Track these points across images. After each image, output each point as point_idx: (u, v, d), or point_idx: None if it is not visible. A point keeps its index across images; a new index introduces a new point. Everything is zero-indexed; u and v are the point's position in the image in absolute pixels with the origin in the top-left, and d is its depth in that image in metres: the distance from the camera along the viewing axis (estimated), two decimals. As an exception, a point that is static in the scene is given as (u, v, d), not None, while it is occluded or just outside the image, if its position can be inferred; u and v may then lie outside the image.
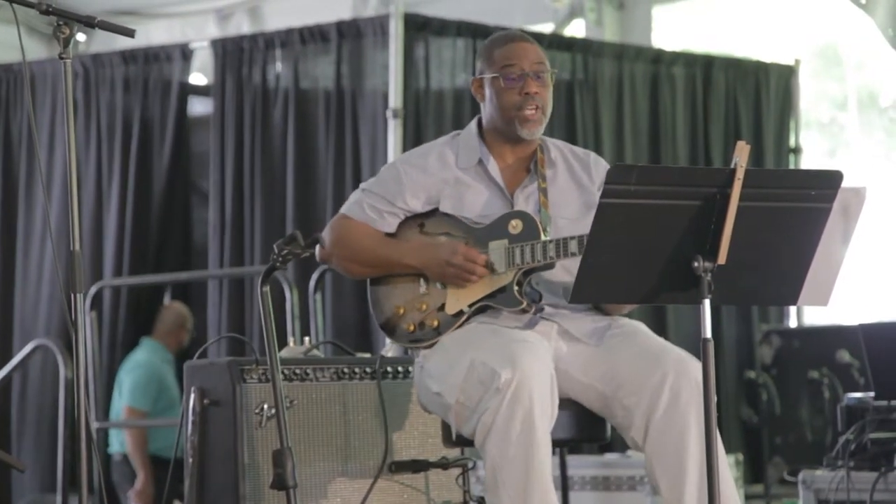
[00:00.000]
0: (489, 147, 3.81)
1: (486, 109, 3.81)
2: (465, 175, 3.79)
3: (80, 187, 7.45)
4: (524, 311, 3.67)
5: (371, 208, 3.81)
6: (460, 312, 3.70)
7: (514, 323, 3.69)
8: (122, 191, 7.65)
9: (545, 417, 3.46)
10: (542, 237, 3.64)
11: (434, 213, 3.80)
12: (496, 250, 3.68)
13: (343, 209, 3.87)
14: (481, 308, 3.70)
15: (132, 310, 7.64)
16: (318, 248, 3.85)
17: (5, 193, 7.94)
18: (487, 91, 3.77)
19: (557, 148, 3.86)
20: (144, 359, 7.54)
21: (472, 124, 3.86)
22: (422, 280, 3.77)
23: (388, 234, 3.82)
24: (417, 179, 3.79)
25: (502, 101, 3.74)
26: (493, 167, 3.79)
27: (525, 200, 3.76)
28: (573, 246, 3.56)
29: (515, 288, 3.65)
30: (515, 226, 3.68)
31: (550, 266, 3.65)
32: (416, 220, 3.81)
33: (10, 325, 7.84)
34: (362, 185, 3.88)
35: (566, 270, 3.69)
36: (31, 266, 7.81)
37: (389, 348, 5.10)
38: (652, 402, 3.52)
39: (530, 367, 3.44)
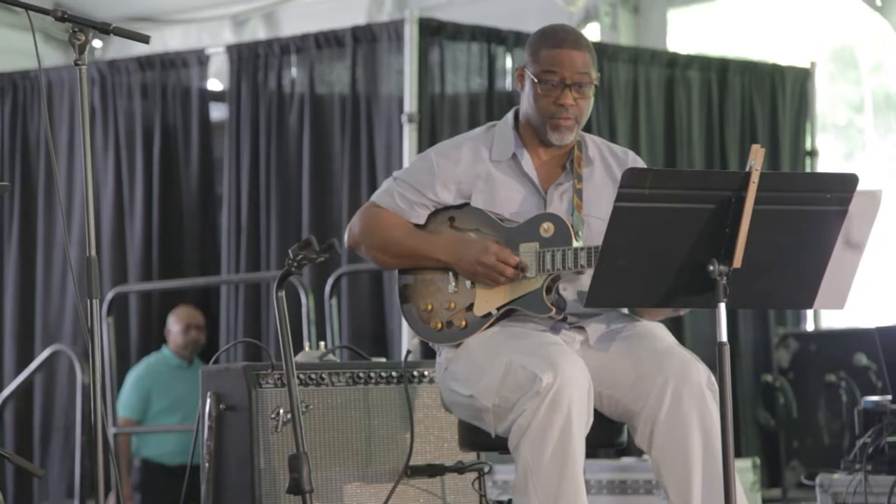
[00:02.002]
0: (524, 141, 3.75)
1: (523, 102, 3.75)
2: (498, 169, 3.73)
3: (98, 194, 7.57)
4: (551, 319, 3.64)
5: (402, 198, 3.76)
6: (488, 314, 3.68)
7: (541, 326, 3.67)
8: (147, 197, 7.68)
9: (582, 424, 3.44)
10: (574, 243, 3.59)
11: (465, 206, 3.74)
12: (527, 253, 3.63)
13: (374, 197, 3.82)
14: (508, 311, 3.67)
15: (158, 315, 7.66)
16: (347, 233, 3.82)
17: (25, 200, 7.97)
18: (527, 85, 3.71)
19: (596, 145, 3.80)
20: (139, 367, 7.56)
21: (510, 115, 3.80)
22: (451, 276, 3.73)
23: (418, 226, 3.78)
24: (450, 171, 3.74)
25: (537, 104, 3.68)
26: (528, 162, 3.73)
27: (559, 198, 3.71)
28: None
29: (544, 294, 3.62)
30: (547, 229, 3.63)
31: (580, 273, 3.62)
32: (447, 213, 3.76)
33: (32, 331, 7.88)
34: (395, 174, 3.83)
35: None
36: (53, 272, 7.84)
37: (411, 344, 5.10)
38: (654, 407, 3.50)
39: (570, 372, 3.43)
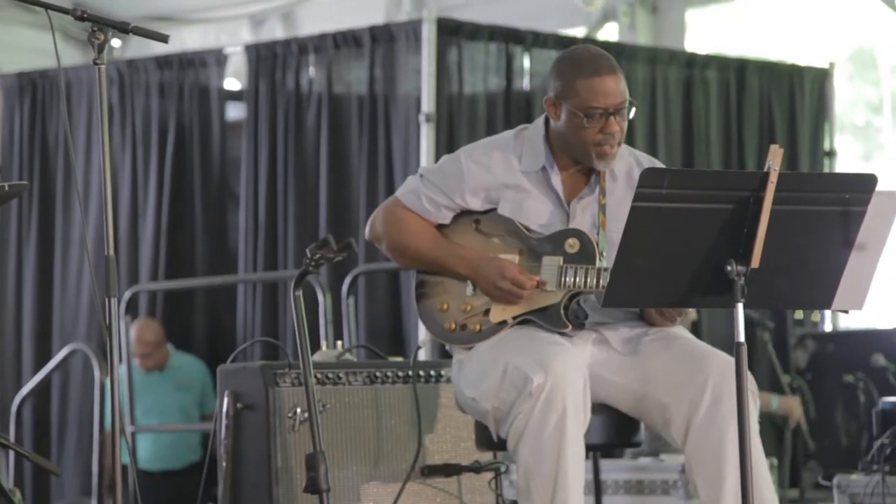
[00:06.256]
0: (554, 154, 3.73)
1: (559, 129, 3.70)
2: (527, 180, 3.73)
3: (115, 192, 7.59)
4: (567, 335, 3.65)
5: (429, 200, 3.76)
6: (503, 322, 3.69)
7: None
8: (159, 196, 7.69)
9: (578, 422, 3.46)
10: (598, 262, 3.61)
11: (491, 211, 3.75)
12: (549, 267, 3.64)
13: (400, 195, 3.81)
14: (524, 320, 3.68)
15: (169, 315, 7.67)
16: (368, 226, 3.83)
17: (44, 198, 7.99)
18: (564, 116, 3.66)
19: (622, 157, 3.76)
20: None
21: (540, 123, 3.77)
22: (469, 280, 3.74)
23: (442, 225, 3.78)
24: (479, 177, 3.74)
25: (581, 136, 3.64)
26: (556, 176, 3.72)
27: (582, 212, 3.71)
28: None
29: (562, 311, 3.63)
30: (573, 245, 3.64)
31: (601, 293, 3.60)
32: (472, 216, 3.77)
33: (49, 329, 7.90)
34: (422, 171, 3.83)
35: None
36: (70, 271, 7.87)
37: (424, 341, 5.10)
38: (693, 402, 3.51)
39: (563, 371, 3.44)
